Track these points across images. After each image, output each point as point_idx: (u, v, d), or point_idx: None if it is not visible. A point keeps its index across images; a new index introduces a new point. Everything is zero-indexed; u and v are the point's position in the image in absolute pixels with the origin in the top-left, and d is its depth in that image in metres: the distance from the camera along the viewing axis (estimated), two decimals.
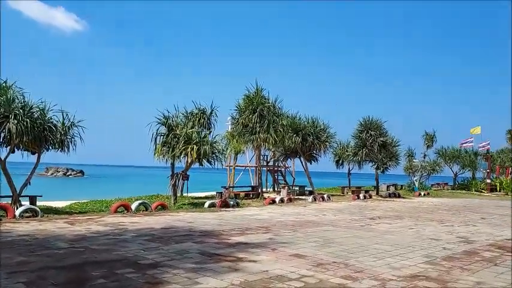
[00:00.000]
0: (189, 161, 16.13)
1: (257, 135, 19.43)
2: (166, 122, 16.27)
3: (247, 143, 20.18)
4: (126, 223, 11.42)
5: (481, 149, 37.59)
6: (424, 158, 35.01)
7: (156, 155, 16.11)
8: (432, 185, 38.54)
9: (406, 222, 13.90)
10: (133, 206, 14.12)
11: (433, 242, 9.89)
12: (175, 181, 16.47)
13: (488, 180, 36.09)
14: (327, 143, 23.98)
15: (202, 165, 16.47)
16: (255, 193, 21.51)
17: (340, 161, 30.88)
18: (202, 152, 15.70)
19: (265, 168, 29.23)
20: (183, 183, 21.51)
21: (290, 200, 20.06)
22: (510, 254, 8.79)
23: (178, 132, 16.19)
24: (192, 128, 17.21)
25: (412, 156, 33.99)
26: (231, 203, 17.02)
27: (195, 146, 15.66)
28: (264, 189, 28.03)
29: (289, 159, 28.18)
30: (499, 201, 26.71)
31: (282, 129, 19.87)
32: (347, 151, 29.72)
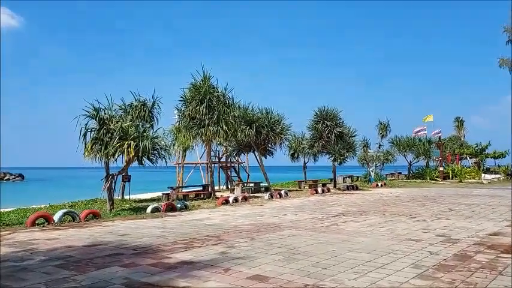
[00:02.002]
0: (126, 160, 13.80)
1: (206, 129, 17.37)
2: (97, 114, 13.81)
3: (195, 138, 18.06)
4: (40, 241, 9.04)
5: (434, 136, 37.70)
6: (379, 148, 34.48)
7: (86, 154, 13.65)
8: (387, 174, 38.27)
9: (374, 218, 12.50)
10: (55, 217, 11.66)
11: (414, 244, 8.41)
12: (111, 183, 14.08)
13: (441, 168, 36.23)
14: (282, 135, 22.39)
15: (142, 164, 14.20)
16: (206, 193, 19.47)
17: (296, 154, 29.52)
18: (141, 149, 13.45)
19: (217, 165, 27.22)
20: (124, 185, 19.11)
21: (245, 198, 18.23)
22: (506, 255, 7.46)
23: (112, 126, 13.81)
24: (130, 121, 14.89)
25: (367, 146, 33.29)
26: (178, 205, 14.91)
27: (132, 142, 13.38)
28: (217, 188, 26.04)
29: (242, 154, 26.34)
30: (456, 189, 26.41)
31: (233, 121, 17.94)
32: (302, 143, 28.38)
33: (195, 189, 21.24)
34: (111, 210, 13.92)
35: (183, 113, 18.07)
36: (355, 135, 26.44)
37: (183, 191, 20.91)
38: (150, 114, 18.24)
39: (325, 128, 24.97)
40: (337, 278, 5.94)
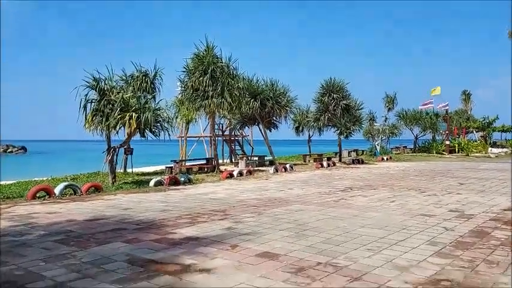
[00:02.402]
0: (128, 132, 13.42)
1: (210, 100, 16.88)
2: (97, 85, 13.33)
3: (198, 110, 17.59)
4: (40, 215, 8.78)
5: (440, 109, 37.05)
6: (386, 121, 33.92)
7: (87, 125, 13.26)
8: (392, 148, 37.85)
9: (383, 193, 12.18)
10: (56, 190, 11.40)
11: (427, 220, 8.10)
12: (112, 156, 13.75)
13: (448, 142, 35.75)
14: (287, 108, 21.88)
15: (144, 136, 13.82)
16: (210, 166, 19.17)
17: (301, 128, 29.08)
18: (143, 121, 13.04)
19: (220, 138, 26.86)
20: (126, 158, 18.82)
21: (250, 172, 17.94)
22: None
23: (113, 97, 13.36)
24: (132, 93, 14.42)
25: (373, 120, 32.75)
26: (182, 179, 14.63)
27: (134, 114, 12.96)
28: (221, 161, 25.79)
29: (246, 127, 25.91)
30: (463, 162, 26.04)
31: (238, 93, 17.42)
32: (307, 117, 27.89)
33: (198, 163, 20.95)
34: (113, 183, 13.65)
35: (186, 85, 17.55)
36: (362, 108, 25.96)
37: (187, 164, 20.64)
38: (152, 86, 17.71)
39: (331, 100, 24.42)
40: (351, 255, 5.63)
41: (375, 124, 33.10)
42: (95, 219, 8.25)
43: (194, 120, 23.36)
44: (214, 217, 8.41)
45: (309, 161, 26.22)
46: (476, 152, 34.80)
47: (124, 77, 17.37)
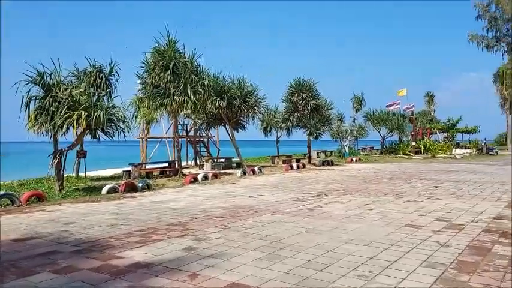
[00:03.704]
0: (77, 133, 11.88)
1: (172, 98, 15.50)
2: (41, 80, 11.71)
3: (159, 109, 16.16)
4: None
5: (406, 111, 37.08)
6: (354, 121, 33.49)
7: (29, 125, 11.62)
8: (359, 149, 37.54)
9: (359, 198, 11.27)
10: None
11: (415, 232, 7.17)
12: (59, 160, 12.15)
13: (414, 143, 35.76)
14: (255, 108, 20.77)
15: (96, 137, 12.32)
16: (172, 170, 17.75)
17: (269, 128, 28.08)
18: (94, 121, 11.53)
19: (185, 139, 25.42)
20: (79, 162, 17.13)
21: (216, 176, 16.69)
22: None
23: (60, 94, 11.78)
24: (84, 90, 12.85)
25: (341, 120, 32.22)
26: (140, 185, 13.20)
27: (83, 113, 11.43)
28: (185, 164, 24.40)
29: (212, 128, 24.59)
30: (431, 164, 25.82)
31: (202, 91, 16.12)
32: (275, 117, 26.93)
33: (160, 166, 19.46)
34: (60, 191, 12.06)
35: (145, 81, 16.08)
36: (331, 108, 25.22)
37: (147, 167, 19.14)
38: (107, 82, 16.15)
39: (300, 100, 23.53)
40: (339, 285, 4.54)
41: (343, 125, 32.60)
42: (25, 239, 6.79)
43: (155, 120, 21.84)
44: (172, 233, 7.14)
45: (277, 162, 25.24)
46: (442, 153, 34.97)
47: (76, 72, 15.71)
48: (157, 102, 15.61)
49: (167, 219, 8.44)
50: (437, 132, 47.29)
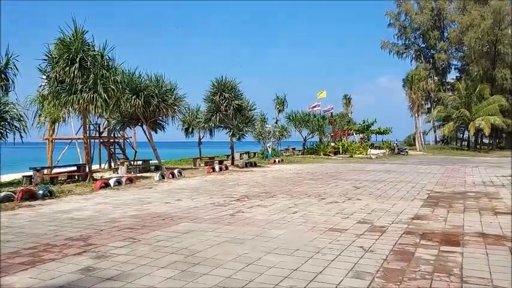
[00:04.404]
0: None
1: (79, 95, 13.99)
2: None
3: (65, 106, 14.51)
4: None
5: (326, 112, 38.21)
6: (276, 123, 33.65)
7: None
8: (282, 150, 37.91)
9: (282, 201, 10.92)
10: None
11: (339, 237, 6.88)
12: None
13: (333, 144, 36.95)
14: (175, 107, 19.74)
15: None
16: (81, 174, 16.12)
17: (190, 129, 27.10)
18: None
19: (97, 140, 23.54)
20: None
21: (131, 180, 15.44)
22: (446, 247, 6.27)
23: None
24: None
25: (264, 121, 32.20)
26: (40, 192, 11.64)
27: None
28: (97, 167, 22.59)
29: (128, 128, 23.04)
30: (349, 164, 26.67)
31: (115, 88, 14.78)
32: (197, 117, 26.04)
33: (67, 170, 17.64)
34: None
35: (49, 76, 14.36)
36: (254, 109, 24.95)
37: (53, 172, 17.25)
38: (2, 76, 14.14)
39: (223, 100, 22.91)
40: None
41: (266, 126, 32.62)
42: None
43: (62, 119, 19.85)
44: (69, 250, 6.09)
45: (199, 164, 24.36)
46: (359, 154, 36.53)
47: None
48: (62, 99, 13.98)
49: (66, 232, 7.30)
50: (354, 134, 49.57)
